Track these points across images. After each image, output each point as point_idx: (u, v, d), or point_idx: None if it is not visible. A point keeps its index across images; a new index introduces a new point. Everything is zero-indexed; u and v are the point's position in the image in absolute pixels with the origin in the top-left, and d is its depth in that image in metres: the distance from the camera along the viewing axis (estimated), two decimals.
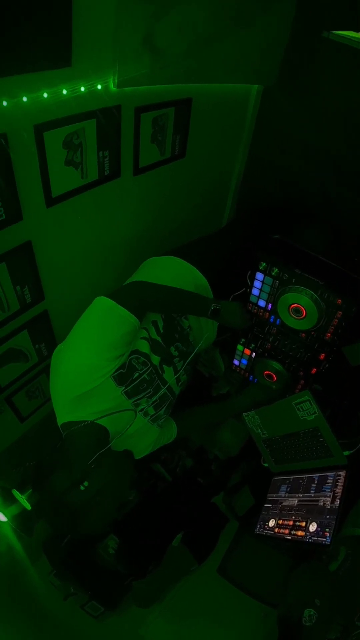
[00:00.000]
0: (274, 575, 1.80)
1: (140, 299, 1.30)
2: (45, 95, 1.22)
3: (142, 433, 1.42)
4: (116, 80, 1.38)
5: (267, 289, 1.49)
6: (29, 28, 1.09)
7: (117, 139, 1.57)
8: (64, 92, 1.27)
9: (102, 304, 1.24)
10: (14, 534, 1.48)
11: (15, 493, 1.13)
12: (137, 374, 1.32)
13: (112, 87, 1.39)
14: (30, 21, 1.08)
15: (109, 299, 1.23)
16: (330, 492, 1.50)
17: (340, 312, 1.37)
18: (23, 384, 1.90)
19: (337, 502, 1.44)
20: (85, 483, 1.14)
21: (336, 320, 1.39)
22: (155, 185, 1.91)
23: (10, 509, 1.16)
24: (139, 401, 1.34)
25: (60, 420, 1.25)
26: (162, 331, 1.43)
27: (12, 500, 1.15)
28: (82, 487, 1.14)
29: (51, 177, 1.43)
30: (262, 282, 1.49)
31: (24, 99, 1.18)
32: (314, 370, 1.58)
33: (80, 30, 1.19)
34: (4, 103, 1.14)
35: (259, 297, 1.54)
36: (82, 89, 1.31)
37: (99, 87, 1.36)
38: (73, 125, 1.38)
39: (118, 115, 1.50)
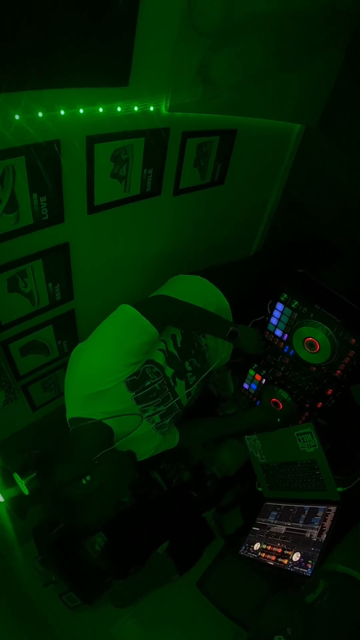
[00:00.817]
0: (250, 598, 1.76)
1: (163, 312, 1.31)
2: (100, 109, 1.26)
3: (145, 438, 1.42)
4: (168, 105, 1.41)
5: (285, 319, 1.48)
6: (95, 47, 1.13)
7: (162, 159, 1.60)
8: (119, 109, 1.30)
9: (126, 312, 1.26)
10: (8, 515, 1.48)
11: (16, 477, 1.13)
12: (149, 382, 1.32)
13: (164, 110, 1.42)
14: (96, 41, 1.12)
15: (133, 308, 1.25)
16: (319, 525, 1.46)
17: (353, 352, 1.35)
18: (40, 375, 1.92)
19: (324, 536, 1.41)
20: (88, 477, 1.14)
21: (348, 358, 1.37)
22: (192, 207, 1.93)
23: (8, 490, 1.16)
24: (146, 408, 1.34)
25: (70, 414, 1.26)
26: (179, 345, 1.43)
27: (12, 482, 1.15)
28: (83, 481, 1.14)
29: (96, 187, 1.46)
30: (282, 312, 1.48)
31: (81, 110, 1.22)
32: (319, 404, 1.56)
33: (140, 54, 1.23)
34: (62, 112, 1.18)
35: (276, 326, 1.53)
36: (136, 108, 1.34)
37: (152, 108, 1.39)
38: (123, 141, 1.41)
39: (166, 137, 1.53)
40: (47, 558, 2.34)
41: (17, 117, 1.09)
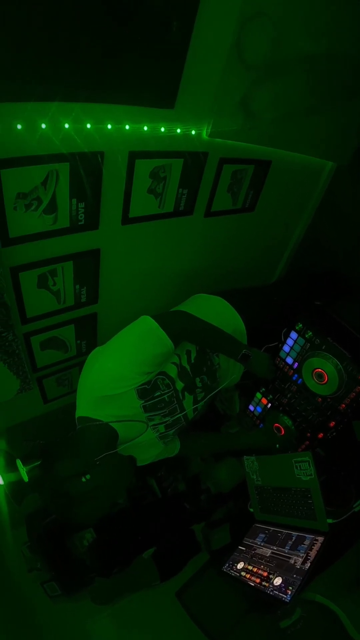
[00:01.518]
0: (227, 615, 1.71)
1: (181, 327, 1.33)
2: (145, 128, 1.30)
3: (147, 445, 1.41)
4: (209, 130, 1.44)
5: (297, 348, 1.48)
6: (147, 69, 1.17)
7: (198, 181, 1.62)
8: (162, 129, 1.33)
9: (146, 322, 1.27)
10: (5, 498, 1.48)
11: (19, 463, 1.14)
12: (159, 393, 1.32)
13: (204, 135, 1.45)
14: (149, 63, 1.16)
15: (153, 320, 1.26)
16: (304, 553, 1.43)
17: (359, 387, 1.33)
18: (56, 370, 1.94)
19: (308, 565, 1.37)
20: (87, 476, 1.15)
21: (354, 394, 1.36)
22: (221, 229, 1.94)
23: (9, 475, 1.17)
24: (153, 417, 1.34)
25: (79, 413, 1.27)
26: (192, 361, 1.43)
27: (14, 468, 1.15)
28: (83, 479, 1.14)
29: (132, 200, 1.48)
30: (295, 341, 1.48)
31: (127, 127, 1.25)
32: (320, 435, 1.53)
33: (188, 80, 1.26)
34: (109, 126, 1.21)
35: (288, 354, 1.52)
36: (178, 130, 1.38)
37: (193, 132, 1.42)
38: (162, 160, 1.44)
39: (204, 160, 1.55)
40: (35, 545, 2.34)
41: (66, 125, 1.13)
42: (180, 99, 1.29)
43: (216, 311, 1.57)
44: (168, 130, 1.35)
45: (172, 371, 1.37)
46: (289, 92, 1.48)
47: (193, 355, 1.44)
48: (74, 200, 1.34)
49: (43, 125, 1.10)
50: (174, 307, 1.62)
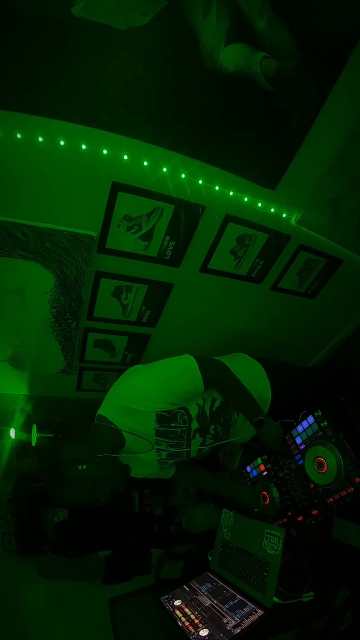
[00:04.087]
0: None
1: (216, 376, 1.34)
2: (245, 199, 1.35)
3: (145, 463, 1.39)
4: (298, 218, 1.46)
5: (310, 432, 1.40)
6: (262, 150, 1.23)
7: (275, 257, 1.63)
8: (259, 205, 1.38)
9: (188, 360, 1.30)
10: (8, 451, 1.49)
11: (34, 428, 1.16)
12: (174, 424, 1.31)
13: (293, 221, 1.47)
14: (265, 146, 1.22)
15: (195, 361, 1.28)
16: (239, 618, 1.28)
17: (352, 489, 1.23)
18: (98, 368, 1.96)
19: (238, 630, 1.23)
20: (84, 466, 1.17)
21: (345, 492, 1.25)
22: (280, 305, 1.92)
23: (22, 434, 1.19)
24: (160, 442, 1.32)
25: (101, 411, 1.29)
26: (214, 409, 1.41)
27: (28, 430, 1.17)
28: (80, 467, 1.16)
29: (215, 254, 1.53)
30: (310, 425, 1.40)
31: (231, 193, 1.31)
32: (300, 518, 1.41)
33: (293, 170, 1.30)
34: (217, 187, 1.28)
35: (299, 434, 1.44)
36: (272, 210, 1.41)
37: (284, 215, 1.45)
38: (251, 230, 1.47)
39: (285, 242, 1.57)
40: (14, 500, 2.29)
41: (183, 175, 1.21)
42: (282, 184, 1.33)
43: (250, 374, 1.53)
44: (264, 207, 1.39)
45: (194, 411, 1.35)
46: None
47: (216, 404, 1.42)
48: (168, 237, 1.40)
49: (164, 169, 1.18)
50: (215, 357, 1.60)
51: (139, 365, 1.35)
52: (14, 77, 0.93)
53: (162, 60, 0.98)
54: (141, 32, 0.91)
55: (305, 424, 1.42)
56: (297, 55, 1.02)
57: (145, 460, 1.35)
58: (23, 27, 0.86)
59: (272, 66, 1.02)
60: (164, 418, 1.27)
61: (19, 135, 1.00)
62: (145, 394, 1.23)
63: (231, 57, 0.99)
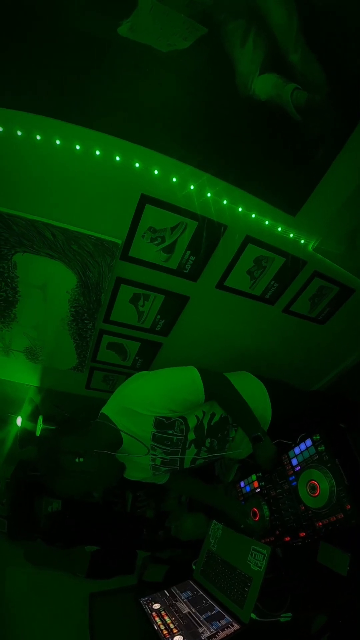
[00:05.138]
0: (117, 638, 1.52)
1: (218, 389, 1.33)
2: (266, 222, 1.34)
3: (139, 467, 1.38)
4: (315, 245, 1.45)
5: (306, 455, 1.36)
6: (287, 177, 1.23)
7: (290, 280, 1.61)
8: (279, 229, 1.37)
9: (192, 371, 1.29)
10: (13, 437, 1.49)
11: (40, 419, 1.16)
12: (171, 432, 1.30)
13: (310, 248, 1.46)
14: (291, 173, 1.22)
15: (199, 373, 1.28)
16: (215, 630, 1.24)
17: (342, 515, 1.18)
18: (108, 369, 1.96)
19: None
20: (81, 459, 1.18)
21: (334, 518, 1.20)
22: (291, 327, 1.90)
23: (28, 423, 1.19)
24: (156, 447, 1.31)
25: (104, 410, 1.30)
26: (212, 424, 1.39)
27: (34, 420, 1.17)
28: (76, 460, 1.17)
29: (232, 272, 1.52)
30: (307, 448, 1.36)
31: (253, 215, 1.31)
32: (287, 538, 1.36)
33: (314, 199, 1.29)
34: (240, 209, 1.28)
35: (296, 455, 1.40)
36: (291, 235, 1.40)
37: (302, 241, 1.43)
38: (269, 252, 1.46)
39: (301, 267, 1.55)
40: (12, 485, 2.28)
41: (208, 194, 1.21)
42: (303, 210, 1.32)
43: (253, 392, 1.50)
44: (284, 231, 1.38)
45: (192, 422, 1.34)
46: None
47: (215, 419, 1.40)
48: (188, 252, 1.40)
49: (192, 187, 1.19)
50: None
51: (145, 371, 1.36)
52: (64, 88, 0.95)
53: (198, 83, 0.99)
54: (181, 56, 0.93)
55: (302, 446, 1.38)
56: (327, 88, 1.02)
57: (140, 464, 1.34)
58: (70, 39, 0.89)
59: (302, 97, 1.03)
60: (162, 424, 1.26)
61: (58, 142, 1.02)
62: (147, 398, 1.23)
63: (264, 85, 1.00)
